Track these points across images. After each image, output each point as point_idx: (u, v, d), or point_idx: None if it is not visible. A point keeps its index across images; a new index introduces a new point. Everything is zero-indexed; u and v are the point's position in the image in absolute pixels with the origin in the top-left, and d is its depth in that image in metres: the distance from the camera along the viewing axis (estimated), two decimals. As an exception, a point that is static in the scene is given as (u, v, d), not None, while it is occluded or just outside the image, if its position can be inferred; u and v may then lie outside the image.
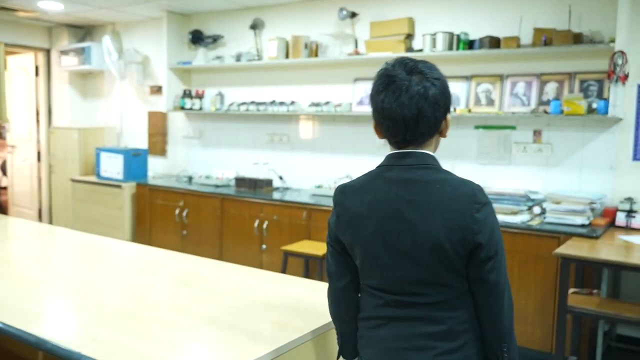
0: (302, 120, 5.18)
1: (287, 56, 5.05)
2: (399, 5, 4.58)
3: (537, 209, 3.85)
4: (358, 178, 1.52)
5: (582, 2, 3.82)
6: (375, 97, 1.45)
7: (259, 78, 5.45)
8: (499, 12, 4.16)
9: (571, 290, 3.31)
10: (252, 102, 5.26)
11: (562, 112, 3.77)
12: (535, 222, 3.65)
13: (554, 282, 3.48)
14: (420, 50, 4.33)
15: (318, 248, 4.12)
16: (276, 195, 4.75)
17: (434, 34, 4.23)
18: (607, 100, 3.61)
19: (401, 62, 1.43)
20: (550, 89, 3.98)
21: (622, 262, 2.92)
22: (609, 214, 3.71)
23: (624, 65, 3.51)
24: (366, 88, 4.74)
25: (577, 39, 3.73)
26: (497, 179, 4.22)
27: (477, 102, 4.26)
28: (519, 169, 4.14)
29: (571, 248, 3.14)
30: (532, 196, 3.93)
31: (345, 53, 4.74)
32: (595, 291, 3.30)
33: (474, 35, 4.16)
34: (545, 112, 3.89)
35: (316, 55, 4.92)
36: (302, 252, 4.12)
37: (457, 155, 4.37)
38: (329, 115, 4.94)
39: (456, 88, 4.33)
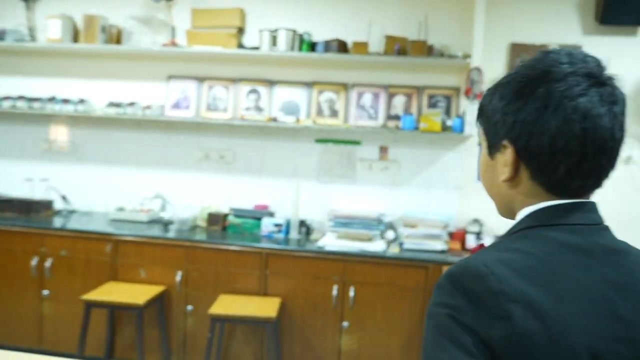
0: (95, 124, 4.04)
1: (75, 40, 3.89)
2: (226, -8, 3.85)
3: (390, 234, 3.50)
4: (509, 245, 0.83)
5: (433, 13, 3.61)
6: (569, 103, 0.81)
7: (32, 66, 4.13)
8: (343, 13, 3.74)
9: None
10: (22, 98, 3.94)
11: (416, 128, 3.49)
12: (394, 250, 3.28)
13: (421, 317, 3.14)
14: (256, 48, 3.66)
15: (131, 293, 3.14)
16: (59, 222, 3.57)
17: (275, 31, 3.60)
18: (461, 117, 3.43)
19: (586, 56, 0.85)
20: (399, 102, 3.69)
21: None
22: (458, 237, 3.54)
23: (480, 82, 3.37)
24: (184, 88, 3.88)
25: (430, 51, 3.50)
26: (340, 199, 3.78)
27: (320, 112, 3.76)
28: (365, 188, 3.76)
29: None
30: (383, 219, 3.58)
31: (159, 43, 3.81)
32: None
33: (316, 37, 3.66)
34: (397, 127, 3.58)
35: (118, 42, 3.87)
36: (108, 302, 3.09)
37: (296, 172, 3.81)
38: (134, 120, 3.93)
39: (295, 96, 3.77)
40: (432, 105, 3.66)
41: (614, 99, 0.82)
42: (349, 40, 3.61)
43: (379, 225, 3.51)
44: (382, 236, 3.49)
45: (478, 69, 3.36)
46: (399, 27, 3.63)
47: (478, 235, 3.52)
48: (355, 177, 3.77)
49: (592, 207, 0.85)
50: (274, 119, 3.67)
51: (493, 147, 0.91)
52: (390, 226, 3.60)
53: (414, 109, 3.65)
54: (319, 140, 3.80)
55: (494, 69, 3.43)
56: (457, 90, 3.63)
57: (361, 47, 3.54)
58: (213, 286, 3.29)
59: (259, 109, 3.80)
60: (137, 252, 3.35)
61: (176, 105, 3.89)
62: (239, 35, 3.77)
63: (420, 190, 3.70)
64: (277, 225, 3.53)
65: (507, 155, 0.87)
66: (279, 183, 3.81)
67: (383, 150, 3.75)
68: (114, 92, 3.98)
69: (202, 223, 3.67)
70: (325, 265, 3.20)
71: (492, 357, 0.73)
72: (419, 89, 3.68)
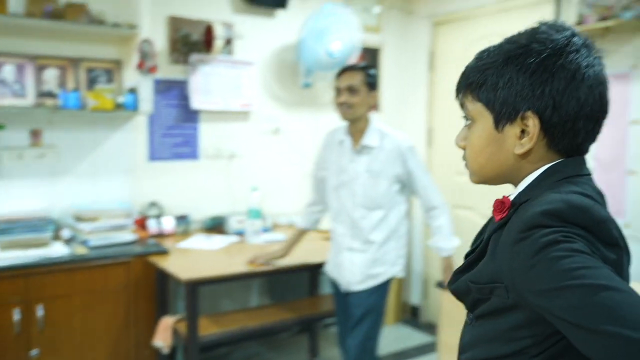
0: None
1: None
2: None
3: (66, 233, 2.96)
4: (568, 189, 0.85)
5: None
6: (590, 71, 0.87)
7: None
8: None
9: (173, 318, 2.77)
10: None
11: (82, 106, 3.01)
12: (81, 251, 2.80)
13: (127, 316, 2.80)
14: None
15: None
16: None
17: None
18: (134, 93, 3.13)
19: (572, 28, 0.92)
20: (51, 76, 3.09)
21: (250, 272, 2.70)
22: (139, 223, 3.27)
23: (152, 55, 3.13)
24: None
25: (90, 18, 3.04)
26: (-17, 200, 2.95)
27: (-62, 88, 2.81)
28: (15, 183, 3.04)
29: (173, 269, 2.62)
30: (51, 217, 2.99)
31: None
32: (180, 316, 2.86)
33: None
34: (56, 106, 3.00)
35: None
36: None
37: None
38: None
39: None
40: (92, 80, 3.21)
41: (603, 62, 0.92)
42: (-22, -6, 2.79)
43: (47, 225, 2.91)
44: (56, 237, 2.92)
45: (148, 41, 3.12)
46: (43, -15, 3.01)
47: (158, 218, 3.34)
48: (0, 170, 3.00)
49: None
50: None
51: (505, 120, 0.90)
52: (63, 224, 3.04)
53: (71, 84, 3.12)
54: (-60, 126, 2.85)
55: (155, 41, 3.23)
56: (118, 63, 3.28)
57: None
58: None
59: None
60: None
61: None
62: None
63: (87, 178, 3.23)
64: None
65: (530, 126, 0.88)
66: None
67: (35, 134, 3.08)
68: None
69: None
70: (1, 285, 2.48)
71: None
72: (75, 61, 3.16)
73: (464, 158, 1.00)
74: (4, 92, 2.96)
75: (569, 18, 3.26)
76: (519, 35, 0.92)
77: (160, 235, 3.27)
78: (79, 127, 3.19)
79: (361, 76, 2.45)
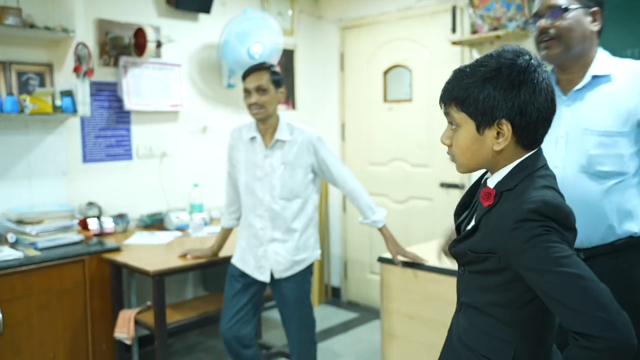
0: None
1: None
2: None
3: (11, 237, 2.96)
4: (538, 184, 1.23)
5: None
6: (541, 93, 1.25)
7: None
8: None
9: (133, 311, 2.89)
10: None
11: (19, 110, 3.01)
12: (32, 253, 2.83)
13: (84, 314, 2.88)
14: None
15: None
16: None
17: None
18: (71, 96, 3.17)
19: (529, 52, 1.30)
20: (-19, 80, 3.04)
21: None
22: (81, 224, 3.32)
23: (89, 58, 3.19)
24: None
25: (21, 21, 3.03)
26: None
27: None
28: (-52, 189, 2.97)
29: (136, 263, 2.76)
30: (-8, 222, 2.97)
31: None
32: (149, 303, 2.99)
33: None
34: (-7, 110, 2.97)
35: None
36: None
37: None
38: None
39: None
40: (24, 83, 3.20)
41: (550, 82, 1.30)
42: None
43: (-10, 230, 2.90)
44: (0, 242, 2.91)
45: (84, 45, 3.17)
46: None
47: (99, 218, 3.40)
48: None
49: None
50: None
51: (484, 125, 1.24)
52: (3, 228, 3.01)
53: (2, 88, 3.10)
54: None
55: (76, 39, 3.28)
56: (49, 66, 3.29)
57: None
58: None
59: None
60: None
61: None
62: None
63: (22, 181, 3.22)
64: None
65: (504, 130, 1.23)
66: None
67: (-33, 139, 3.03)
68: None
69: None
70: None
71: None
72: (4, 64, 3.13)
73: (449, 153, 1.34)
74: None
75: (464, 27, 3.81)
76: (489, 58, 1.26)
77: (102, 234, 3.34)
78: (12, 130, 3.17)
79: (267, 75, 2.60)
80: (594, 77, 1.79)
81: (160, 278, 2.69)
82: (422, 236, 3.96)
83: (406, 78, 4.24)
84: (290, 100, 4.64)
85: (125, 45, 3.54)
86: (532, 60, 1.25)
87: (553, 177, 1.28)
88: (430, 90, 4.06)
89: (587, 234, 1.73)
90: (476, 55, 3.73)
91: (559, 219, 1.16)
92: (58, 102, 3.15)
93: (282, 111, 4.36)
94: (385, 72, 4.34)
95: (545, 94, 1.24)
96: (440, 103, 1.32)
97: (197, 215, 3.44)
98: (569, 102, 1.82)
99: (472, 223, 1.32)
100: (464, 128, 1.27)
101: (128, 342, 2.84)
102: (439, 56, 4.00)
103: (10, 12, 2.97)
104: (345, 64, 4.63)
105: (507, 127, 1.22)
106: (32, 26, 3.09)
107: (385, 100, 4.38)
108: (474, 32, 3.64)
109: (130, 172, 3.66)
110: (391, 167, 4.39)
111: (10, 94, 3.07)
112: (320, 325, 4.13)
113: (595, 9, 1.79)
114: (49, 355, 2.77)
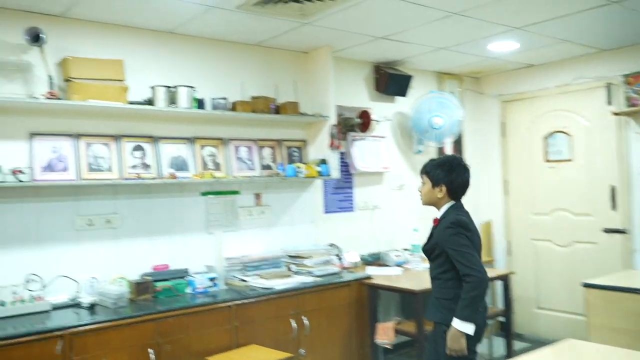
0: None
1: None
2: (101, 40, 3.52)
3: (293, 267, 4.03)
4: (458, 212, 2.72)
5: (282, 78, 4.32)
6: (461, 174, 2.74)
7: None
8: (212, 73, 4.00)
9: (391, 322, 3.85)
10: None
11: (296, 174, 4.14)
12: (311, 279, 3.86)
13: (352, 325, 3.86)
14: (149, 104, 3.54)
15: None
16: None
17: (174, 88, 3.59)
18: (326, 164, 4.28)
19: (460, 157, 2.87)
20: (266, 153, 4.22)
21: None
22: (326, 260, 4.36)
23: (338, 136, 4.32)
24: (55, 146, 3.31)
25: (297, 110, 4.21)
26: (230, 246, 3.99)
27: (205, 166, 3.89)
28: (247, 232, 4.11)
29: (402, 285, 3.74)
30: (282, 256, 4.05)
31: (26, 94, 3.13)
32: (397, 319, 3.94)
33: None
34: (278, 175, 4.12)
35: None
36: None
37: (186, 227, 3.81)
38: (-12, 189, 3.07)
39: (182, 151, 3.80)
40: (290, 155, 4.36)
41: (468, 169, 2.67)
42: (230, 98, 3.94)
43: (279, 262, 3.98)
44: (289, 270, 3.98)
45: (335, 125, 4.30)
46: (255, 88, 4.18)
47: (338, 256, 4.43)
48: (238, 224, 4.07)
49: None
50: (173, 176, 3.62)
51: (435, 185, 2.75)
52: (292, 261, 4.09)
53: (279, 159, 4.26)
54: (204, 193, 3.92)
55: (330, 122, 4.41)
56: (304, 142, 4.45)
57: (247, 105, 3.93)
58: (190, 354, 3.12)
59: (145, 166, 3.63)
60: (98, 342, 2.83)
61: (49, 168, 3.28)
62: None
63: (288, 227, 4.33)
64: (211, 279, 3.54)
65: (443, 188, 2.73)
66: (172, 240, 3.74)
67: (258, 197, 4.19)
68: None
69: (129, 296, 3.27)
70: (281, 303, 3.54)
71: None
72: (279, 142, 4.31)
73: (420, 197, 2.82)
74: (241, 166, 4.07)
75: (619, 100, 4.66)
76: (444, 158, 2.83)
77: (344, 268, 4.36)
78: (282, 190, 4.31)
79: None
80: None
81: (422, 295, 3.64)
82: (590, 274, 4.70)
83: (565, 142, 5.10)
84: (459, 161, 5.61)
85: (353, 123, 4.67)
86: (462, 160, 2.65)
87: (466, 211, 2.73)
88: (589, 152, 4.88)
89: None
90: (633, 123, 4.56)
91: (462, 226, 2.63)
92: (317, 169, 4.27)
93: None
94: (546, 137, 5.23)
95: (466, 174, 2.75)
96: (420, 172, 2.86)
97: (417, 253, 4.40)
98: None
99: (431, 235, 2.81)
100: (427, 185, 2.81)
101: (388, 347, 3.78)
102: (596, 123, 4.84)
103: (293, 106, 4.15)
104: (506, 130, 5.57)
105: (444, 188, 2.73)
106: (302, 114, 4.26)
107: (545, 160, 5.24)
108: (632, 105, 4.49)
109: (353, 221, 4.71)
110: (554, 216, 5.20)
111: (281, 163, 4.22)
112: (497, 352, 4.90)
113: None
114: (333, 352, 3.75)
